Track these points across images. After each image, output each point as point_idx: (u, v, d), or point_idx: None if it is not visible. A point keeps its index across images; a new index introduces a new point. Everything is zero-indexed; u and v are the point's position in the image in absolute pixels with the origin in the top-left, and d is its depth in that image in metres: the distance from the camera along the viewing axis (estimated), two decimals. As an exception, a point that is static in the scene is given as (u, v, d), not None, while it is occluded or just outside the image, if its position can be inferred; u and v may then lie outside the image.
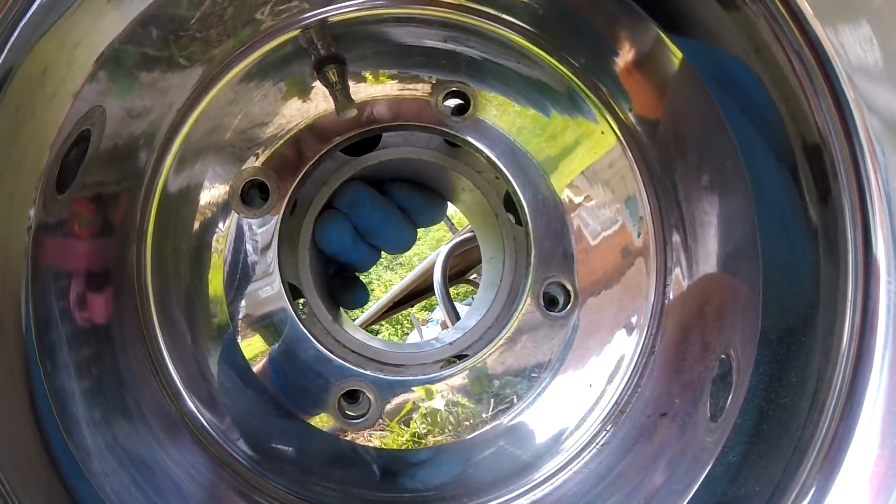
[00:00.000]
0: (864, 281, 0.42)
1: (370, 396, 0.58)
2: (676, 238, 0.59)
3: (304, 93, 0.59)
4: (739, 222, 0.53)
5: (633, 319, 0.60)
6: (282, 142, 0.59)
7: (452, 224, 1.96)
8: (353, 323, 0.71)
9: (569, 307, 0.59)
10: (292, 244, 0.60)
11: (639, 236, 0.60)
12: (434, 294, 1.38)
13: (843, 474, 0.41)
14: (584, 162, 0.60)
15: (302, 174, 0.59)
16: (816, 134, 0.43)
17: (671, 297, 0.59)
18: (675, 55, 0.54)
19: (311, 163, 0.59)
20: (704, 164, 0.56)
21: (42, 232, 0.46)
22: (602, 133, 0.60)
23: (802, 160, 0.45)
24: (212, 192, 0.58)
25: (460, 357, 0.61)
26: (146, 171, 0.56)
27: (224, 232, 0.58)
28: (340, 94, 0.58)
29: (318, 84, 0.59)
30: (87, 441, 0.48)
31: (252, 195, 0.58)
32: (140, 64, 0.52)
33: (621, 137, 0.60)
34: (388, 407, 0.59)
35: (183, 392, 0.57)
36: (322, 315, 0.60)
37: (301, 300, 0.61)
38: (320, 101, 0.59)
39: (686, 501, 0.51)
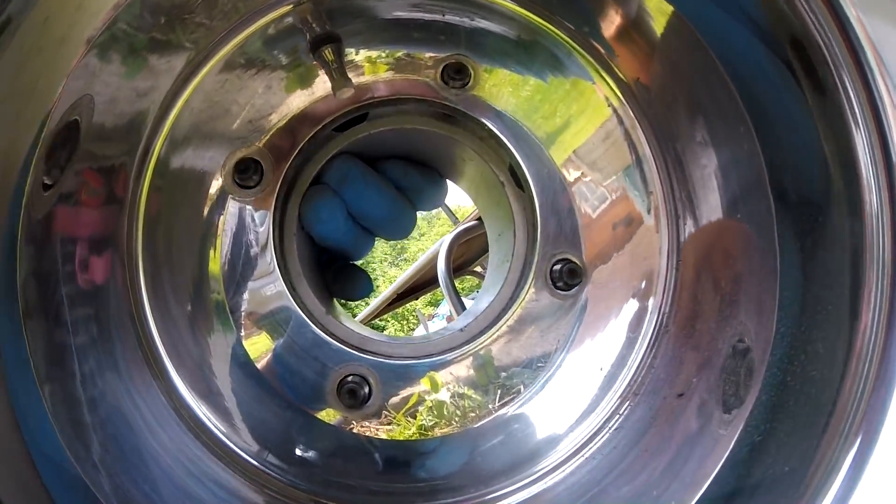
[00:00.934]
0: (892, 234, 0.39)
1: (371, 381, 0.56)
2: (685, 202, 0.57)
3: (297, 72, 0.57)
4: (747, 170, 0.51)
5: (646, 295, 0.57)
6: (276, 121, 0.57)
7: (456, 218, 1.94)
8: (349, 316, 0.68)
9: (578, 285, 0.56)
10: (282, 231, 0.58)
11: (648, 210, 0.58)
12: (438, 287, 1.36)
13: (881, 449, 0.38)
14: (586, 132, 0.58)
15: (296, 153, 0.57)
16: (802, 30, 0.42)
17: (684, 267, 0.57)
18: (666, 10, 0.52)
19: (306, 141, 0.57)
20: (705, 120, 0.54)
21: (55, 200, 0.48)
22: (603, 99, 0.58)
23: (796, 61, 0.44)
24: (205, 176, 0.56)
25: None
26: (138, 149, 0.55)
27: (220, 220, 0.56)
28: (337, 72, 0.57)
29: (312, 63, 0.57)
30: (79, 393, 0.48)
31: (245, 175, 0.56)
32: (138, 47, 0.51)
33: (623, 101, 0.57)
34: (394, 400, 0.56)
35: (175, 379, 0.55)
36: (314, 306, 0.57)
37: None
38: (315, 81, 0.57)
39: (707, 486, 0.49)
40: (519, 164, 0.57)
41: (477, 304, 0.65)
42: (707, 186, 0.55)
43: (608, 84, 0.57)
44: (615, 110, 0.57)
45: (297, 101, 0.57)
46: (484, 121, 0.57)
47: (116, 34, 0.50)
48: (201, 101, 0.57)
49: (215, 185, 0.56)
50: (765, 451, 0.46)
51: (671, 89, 0.56)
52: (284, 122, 0.57)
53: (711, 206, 0.55)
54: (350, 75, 0.57)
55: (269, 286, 0.56)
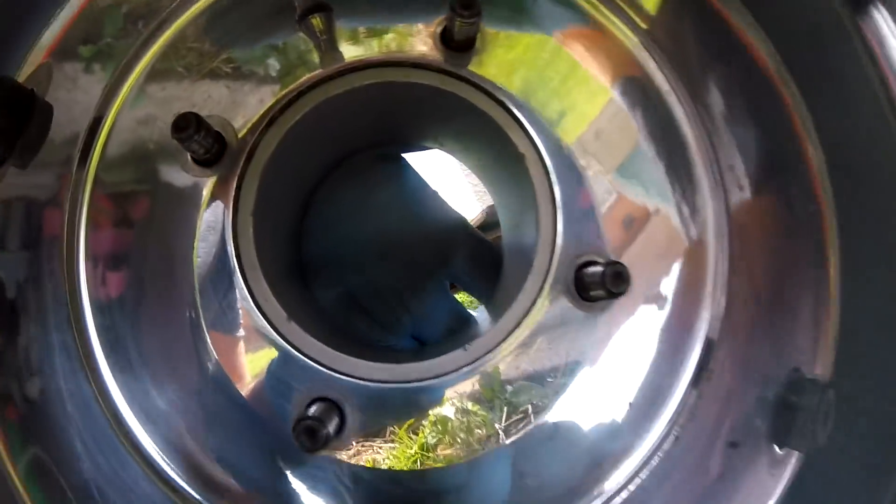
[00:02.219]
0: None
1: (345, 409, 0.45)
2: (729, 172, 0.48)
3: (283, 42, 0.51)
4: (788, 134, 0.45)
5: (690, 307, 0.47)
6: (245, 92, 0.49)
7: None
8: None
9: (606, 294, 0.44)
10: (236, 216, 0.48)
11: (684, 191, 0.48)
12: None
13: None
14: (603, 97, 0.49)
15: (266, 122, 0.48)
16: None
17: (736, 261, 0.47)
18: None
19: (275, 100, 0.48)
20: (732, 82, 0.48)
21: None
22: (623, 54, 0.49)
23: None
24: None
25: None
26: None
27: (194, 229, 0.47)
28: (326, 44, 0.51)
29: (298, 34, 0.50)
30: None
31: (205, 148, 0.46)
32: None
33: (648, 52, 0.50)
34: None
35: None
36: (273, 312, 0.46)
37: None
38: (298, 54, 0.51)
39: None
40: (533, 139, 0.47)
41: (486, 314, 0.56)
42: (745, 155, 0.47)
43: (627, 35, 0.50)
44: (636, 66, 0.49)
45: (277, 72, 0.50)
46: (490, 90, 0.48)
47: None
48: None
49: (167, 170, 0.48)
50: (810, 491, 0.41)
51: (692, 45, 0.49)
52: (256, 91, 0.49)
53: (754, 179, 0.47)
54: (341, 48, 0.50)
55: (223, 279, 0.47)
